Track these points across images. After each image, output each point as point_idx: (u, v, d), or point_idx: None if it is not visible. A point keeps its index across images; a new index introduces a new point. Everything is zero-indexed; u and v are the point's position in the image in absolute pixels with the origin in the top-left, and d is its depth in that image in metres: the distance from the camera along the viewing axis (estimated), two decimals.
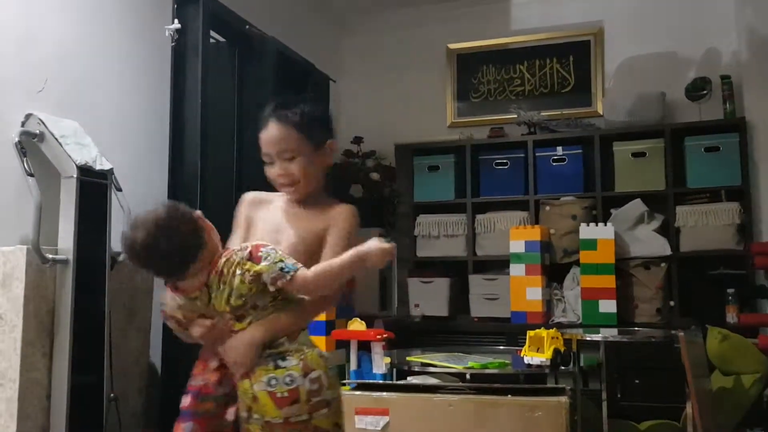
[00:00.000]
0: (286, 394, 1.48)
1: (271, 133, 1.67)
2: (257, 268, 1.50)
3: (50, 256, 2.48)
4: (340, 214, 1.68)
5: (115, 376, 2.70)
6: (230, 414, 1.57)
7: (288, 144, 1.65)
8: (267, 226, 1.73)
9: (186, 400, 1.62)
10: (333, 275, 1.56)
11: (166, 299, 1.60)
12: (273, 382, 1.49)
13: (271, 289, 1.51)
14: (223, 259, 1.53)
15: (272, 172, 1.69)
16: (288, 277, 1.50)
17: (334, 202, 1.72)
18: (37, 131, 2.53)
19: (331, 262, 1.57)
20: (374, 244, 1.56)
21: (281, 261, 1.52)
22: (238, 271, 1.50)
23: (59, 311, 2.50)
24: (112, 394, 2.66)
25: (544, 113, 4.19)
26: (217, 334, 1.54)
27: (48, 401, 2.48)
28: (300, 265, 1.54)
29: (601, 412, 2.97)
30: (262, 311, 1.53)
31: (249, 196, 1.81)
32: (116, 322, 2.78)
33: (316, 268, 1.55)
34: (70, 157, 2.54)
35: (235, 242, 1.69)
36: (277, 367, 1.50)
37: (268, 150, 1.68)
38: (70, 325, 2.49)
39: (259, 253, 1.51)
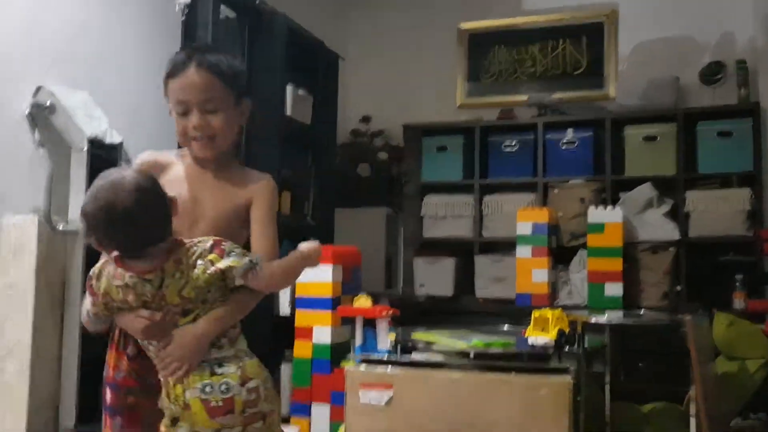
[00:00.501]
0: (220, 403, 1.37)
1: (191, 79, 1.49)
2: (226, 263, 1.38)
3: (61, 226, 2.51)
4: (264, 189, 1.55)
5: None
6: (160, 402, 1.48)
7: (212, 93, 1.49)
8: (179, 196, 1.51)
9: (108, 396, 1.55)
10: (293, 271, 1.52)
11: (96, 275, 1.42)
12: (208, 389, 1.37)
13: (238, 283, 1.41)
14: (185, 247, 1.40)
15: (185, 123, 1.50)
16: (257, 270, 1.41)
17: (248, 171, 1.60)
18: (48, 103, 2.54)
19: (290, 258, 1.50)
20: (312, 244, 1.53)
21: (245, 254, 1.42)
22: (200, 262, 1.37)
23: (70, 282, 2.53)
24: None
25: (555, 95, 4.16)
26: (160, 329, 1.39)
27: (59, 371, 2.53)
28: (262, 255, 1.46)
29: (604, 394, 2.98)
30: (210, 306, 1.40)
31: (147, 158, 1.59)
32: None
33: (280, 263, 1.48)
34: (80, 129, 2.56)
35: None
36: (213, 373, 1.39)
37: (185, 98, 1.49)
38: (81, 296, 2.52)
39: (222, 247, 1.40)
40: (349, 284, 3.50)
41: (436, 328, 2.99)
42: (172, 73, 1.51)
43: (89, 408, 2.56)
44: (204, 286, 1.38)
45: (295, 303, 3.44)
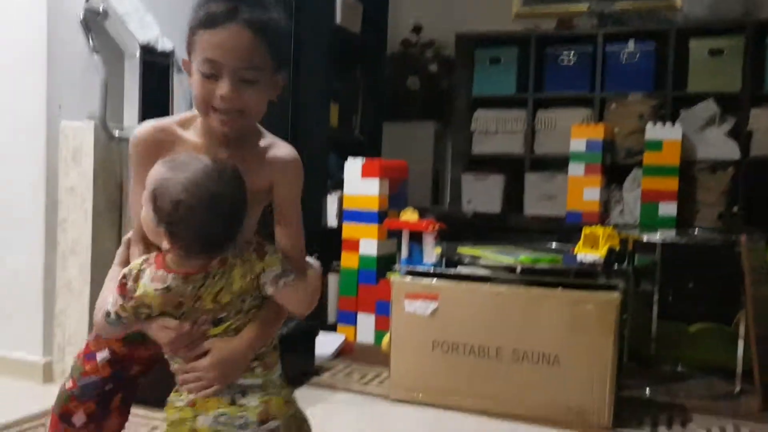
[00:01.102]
0: None
1: (234, 38, 1.16)
2: (261, 263, 1.19)
3: (116, 133, 2.55)
4: (289, 165, 1.28)
5: None
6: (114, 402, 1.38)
7: (254, 60, 1.17)
8: None
9: (70, 384, 1.38)
10: (318, 285, 1.29)
11: (135, 276, 1.18)
12: (223, 419, 1.16)
13: (269, 291, 1.20)
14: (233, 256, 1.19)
15: (210, 89, 1.17)
16: (290, 279, 1.21)
17: (270, 143, 1.29)
18: (101, 8, 2.54)
19: (313, 277, 1.29)
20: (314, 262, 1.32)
21: (283, 261, 1.22)
22: (239, 263, 1.17)
23: (125, 186, 2.60)
24: None
25: (617, 4, 3.96)
26: (188, 340, 1.18)
27: None
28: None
29: (651, 313, 2.97)
30: (243, 317, 1.19)
31: (146, 135, 1.25)
32: None
33: (310, 275, 1.28)
34: (132, 35, 2.56)
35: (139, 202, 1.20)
36: (233, 402, 1.18)
37: (219, 58, 1.16)
38: None
39: (265, 249, 1.21)
40: (395, 198, 3.51)
41: (483, 244, 2.99)
42: (206, 23, 1.17)
43: None
44: (241, 292, 1.18)
45: (342, 215, 3.48)
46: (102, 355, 1.36)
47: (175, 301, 1.16)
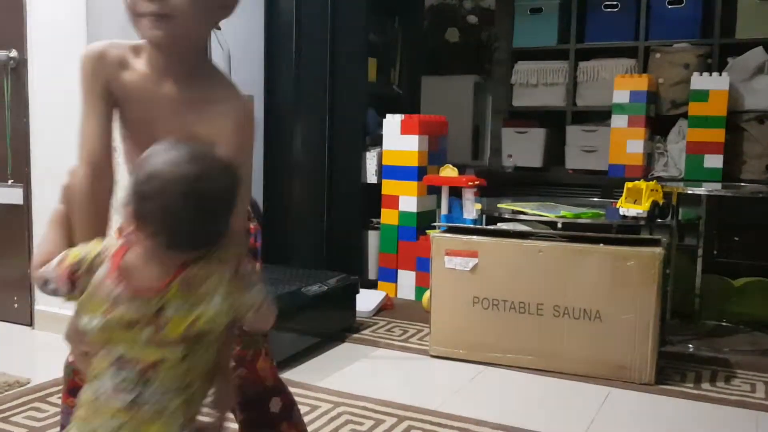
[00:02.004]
0: None
1: None
2: (246, 299, 1.01)
3: None
4: (230, 124, 1.07)
5: None
6: None
7: None
8: (138, 115, 1.12)
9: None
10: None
11: (89, 263, 1.00)
12: None
13: (248, 320, 1.04)
14: (198, 266, 0.98)
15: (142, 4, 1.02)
16: (257, 305, 1.03)
17: (218, 86, 1.11)
18: None
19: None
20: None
21: (259, 282, 1.04)
22: (222, 290, 0.98)
23: None
24: None
25: None
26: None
27: None
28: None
29: (695, 267, 2.92)
30: (204, 352, 1.01)
31: (95, 50, 1.12)
32: None
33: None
34: None
35: (90, 131, 1.12)
36: None
37: None
38: None
39: (245, 272, 1.02)
40: (435, 154, 3.49)
41: (524, 200, 2.96)
42: None
43: None
44: (219, 324, 1.00)
45: (381, 172, 3.48)
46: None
47: (127, 321, 0.97)
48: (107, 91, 1.12)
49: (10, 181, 2.80)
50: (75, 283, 1.00)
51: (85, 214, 1.12)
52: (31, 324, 2.81)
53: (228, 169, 0.99)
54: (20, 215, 2.80)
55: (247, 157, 1.13)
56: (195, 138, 1.02)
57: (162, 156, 0.96)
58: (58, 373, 2.27)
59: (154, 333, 0.96)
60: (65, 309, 2.85)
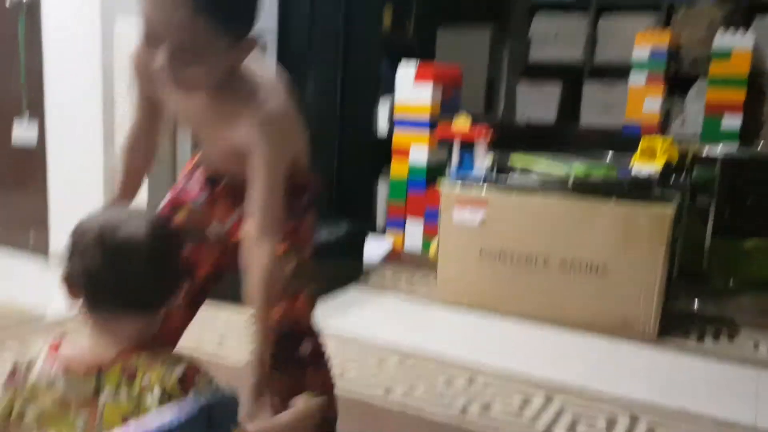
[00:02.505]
0: None
1: (158, 6, 0.98)
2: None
3: None
4: (266, 128, 1.10)
5: None
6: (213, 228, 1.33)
7: (185, 35, 0.98)
8: (177, 115, 1.23)
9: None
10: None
11: (27, 364, 0.96)
12: None
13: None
14: (143, 356, 0.92)
15: (156, 60, 1.00)
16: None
17: (248, 94, 1.11)
18: None
19: (274, 421, 1.09)
20: (310, 402, 1.13)
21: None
22: (157, 391, 0.90)
23: None
24: None
25: None
26: None
27: (175, 168, 2.70)
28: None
29: (706, 228, 2.91)
30: None
31: (137, 52, 1.13)
32: None
33: (273, 424, 1.08)
34: None
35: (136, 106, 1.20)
36: None
37: (152, 30, 1.00)
38: None
39: (195, 381, 0.93)
40: (448, 105, 3.45)
41: (536, 155, 2.94)
42: None
43: None
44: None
45: (393, 123, 3.46)
46: None
47: (60, 401, 0.91)
48: (147, 85, 1.19)
49: (26, 118, 2.81)
50: (11, 384, 0.95)
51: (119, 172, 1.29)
52: (47, 259, 2.86)
53: (159, 238, 0.94)
54: (36, 152, 2.81)
55: (276, 169, 1.14)
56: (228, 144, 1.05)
57: (94, 217, 0.97)
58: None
59: (90, 420, 0.90)
60: None
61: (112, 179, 2.68)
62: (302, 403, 1.14)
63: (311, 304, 1.36)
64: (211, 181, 1.34)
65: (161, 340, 1.20)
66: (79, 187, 2.73)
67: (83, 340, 0.95)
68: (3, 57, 2.84)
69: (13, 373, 0.96)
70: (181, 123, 1.32)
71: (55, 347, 0.95)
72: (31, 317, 2.24)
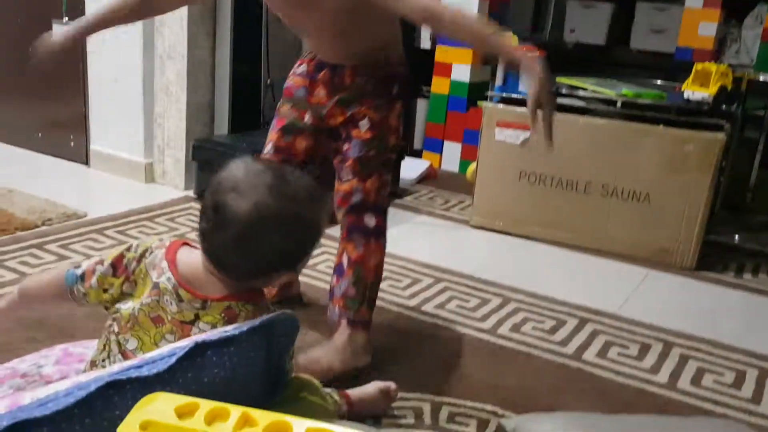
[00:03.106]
0: None
1: None
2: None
3: None
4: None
5: (272, 63, 2.82)
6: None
7: None
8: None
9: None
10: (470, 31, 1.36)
11: (141, 253, 1.00)
12: None
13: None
14: (249, 306, 0.97)
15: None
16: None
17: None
18: None
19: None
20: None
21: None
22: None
23: None
24: (269, 80, 2.81)
25: None
26: None
27: (212, 79, 2.68)
28: None
29: (753, 160, 2.83)
30: None
31: None
32: (273, 15, 2.83)
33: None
34: None
35: None
36: None
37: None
38: (231, 7, 2.58)
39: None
40: (494, 20, 3.34)
41: (583, 76, 2.84)
42: None
43: (241, 116, 2.75)
44: None
45: (436, 37, 3.36)
46: (266, 149, 1.58)
47: (157, 315, 0.95)
48: None
49: (65, 19, 2.78)
50: (120, 268, 0.98)
51: None
52: (86, 162, 2.90)
53: (299, 210, 0.92)
54: (75, 54, 2.80)
55: None
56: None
57: (233, 173, 0.92)
58: (113, 209, 2.37)
59: (175, 341, 0.93)
60: (120, 150, 2.91)
61: (151, 85, 2.67)
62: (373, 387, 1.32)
63: (382, 187, 1.52)
64: (317, 68, 1.52)
65: None
66: (117, 92, 2.73)
67: (198, 267, 0.95)
68: None
69: (121, 255, 0.99)
70: (288, 21, 1.51)
71: (172, 256, 0.96)
72: (73, 215, 2.28)
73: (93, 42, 2.74)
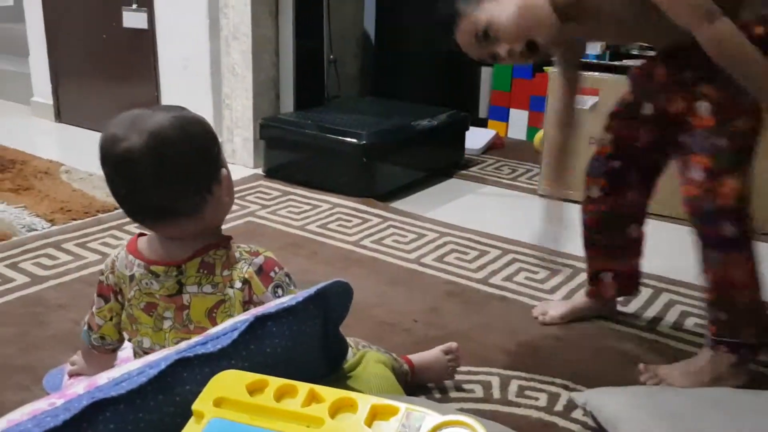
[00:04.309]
0: None
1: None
2: (260, 295, 0.95)
3: None
4: None
5: (334, 40, 2.84)
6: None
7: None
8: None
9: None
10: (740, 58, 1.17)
11: (111, 265, 1.02)
12: None
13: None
14: (221, 251, 0.96)
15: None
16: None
17: None
18: None
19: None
20: None
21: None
22: (238, 284, 0.95)
23: None
24: (331, 57, 2.82)
25: None
26: None
27: (276, 57, 2.71)
28: None
29: None
30: None
31: None
32: None
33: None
34: None
35: None
36: None
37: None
38: None
39: (272, 274, 0.96)
40: None
41: None
42: None
43: (306, 92, 2.78)
44: (228, 316, 0.96)
45: None
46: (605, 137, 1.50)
47: (143, 300, 0.97)
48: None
49: (134, 5, 2.87)
50: (102, 292, 1.02)
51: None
52: None
53: (189, 135, 0.92)
54: (146, 39, 2.89)
55: None
56: None
57: (112, 121, 0.93)
58: None
59: (177, 316, 0.96)
60: None
61: (217, 65, 2.73)
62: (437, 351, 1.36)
63: (739, 189, 1.25)
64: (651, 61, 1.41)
65: (626, 213, 1.51)
66: (186, 75, 2.80)
67: (159, 242, 0.98)
68: None
69: (100, 281, 1.02)
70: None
71: (132, 247, 0.99)
72: None
73: (162, 23, 2.82)
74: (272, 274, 0.96)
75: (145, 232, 1.01)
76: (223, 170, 0.97)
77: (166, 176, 0.90)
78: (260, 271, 0.95)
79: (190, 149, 0.92)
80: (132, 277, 0.97)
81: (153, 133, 0.89)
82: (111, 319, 1.03)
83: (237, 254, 0.96)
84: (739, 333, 1.33)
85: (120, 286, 1.00)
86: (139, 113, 0.92)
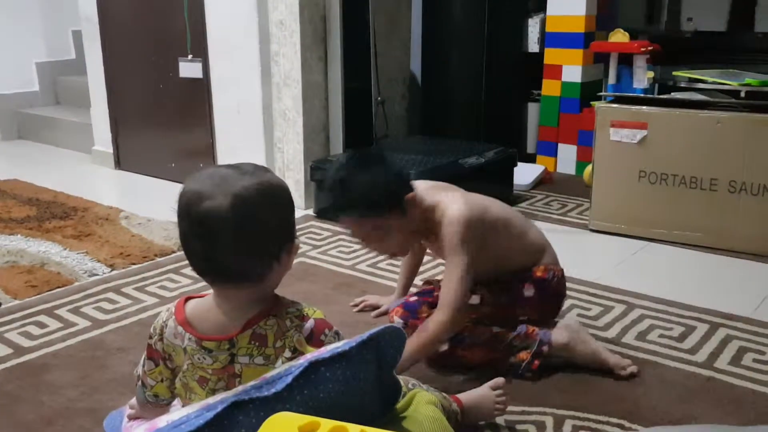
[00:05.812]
0: None
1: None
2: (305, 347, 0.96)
3: None
4: (449, 224, 1.50)
5: (381, 81, 2.90)
6: None
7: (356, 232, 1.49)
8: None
9: None
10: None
11: (159, 330, 1.02)
12: None
13: None
14: (271, 321, 0.96)
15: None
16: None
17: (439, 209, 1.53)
18: None
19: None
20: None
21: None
22: (288, 353, 0.95)
23: (330, 17, 2.67)
24: (379, 98, 2.89)
25: None
26: None
27: (326, 101, 2.78)
28: None
29: None
30: None
31: None
32: (380, 32, 2.90)
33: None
34: None
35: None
36: None
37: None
38: (340, 30, 2.67)
39: (322, 337, 0.97)
40: (604, 18, 3.24)
41: (703, 67, 2.70)
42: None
43: (354, 134, 2.84)
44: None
45: (544, 39, 3.31)
46: None
47: (197, 373, 0.97)
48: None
49: (190, 56, 2.99)
50: (153, 356, 1.02)
51: None
52: None
53: (272, 203, 0.92)
54: (200, 87, 3.01)
55: (458, 244, 1.50)
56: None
57: (195, 177, 0.93)
58: None
59: (229, 383, 0.95)
60: None
61: (269, 110, 2.82)
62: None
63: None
64: None
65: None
66: (240, 121, 2.90)
67: (209, 310, 0.97)
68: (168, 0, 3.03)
69: (149, 339, 1.02)
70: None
71: (181, 316, 0.97)
72: None
73: (215, 72, 2.93)
74: (322, 337, 0.96)
75: (193, 296, 1.01)
76: (296, 241, 0.98)
77: (245, 241, 0.90)
78: (311, 336, 0.96)
79: (272, 217, 0.92)
80: (185, 350, 0.97)
81: (239, 195, 0.89)
82: (162, 381, 1.03)
83: (288, 322, 0.96)
84: None
85: (169, 353, 1.00)
86: (226, 173, 0.92)
